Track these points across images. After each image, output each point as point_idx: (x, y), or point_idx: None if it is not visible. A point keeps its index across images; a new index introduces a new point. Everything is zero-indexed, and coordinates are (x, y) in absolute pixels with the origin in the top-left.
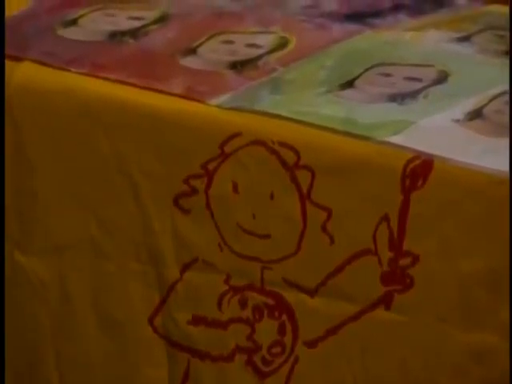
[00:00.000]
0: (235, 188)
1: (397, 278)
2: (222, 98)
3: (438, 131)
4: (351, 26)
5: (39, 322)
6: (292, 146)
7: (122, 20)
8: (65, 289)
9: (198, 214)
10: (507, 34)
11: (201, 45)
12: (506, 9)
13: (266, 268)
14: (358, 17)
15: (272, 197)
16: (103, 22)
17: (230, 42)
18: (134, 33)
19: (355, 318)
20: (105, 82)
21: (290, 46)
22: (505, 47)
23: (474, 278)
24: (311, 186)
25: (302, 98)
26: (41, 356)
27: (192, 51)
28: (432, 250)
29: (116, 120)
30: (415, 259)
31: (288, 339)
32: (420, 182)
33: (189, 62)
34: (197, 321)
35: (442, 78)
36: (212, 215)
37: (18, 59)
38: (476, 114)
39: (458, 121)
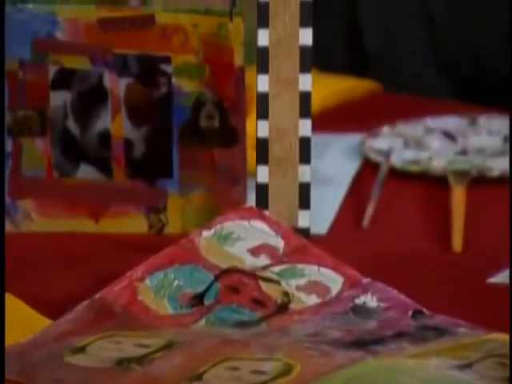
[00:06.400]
0: None
1: None
2: None
3: None
4: (354, 353)
5: None
6: None
7: (129, 347)
8: None
9: None
10: (507, 361)
11: (206, 371)
12: (506, 336)
13: None
14: (360, 344)
15: None
16: (110, 349)
17: (235, 369)
18: (140, 360)
19: None
20: None
21: (294, 373)
22: (504, 374)
23: None
24: None
25: None
26: None
27: (198, 378)
28: None
29: None
30: None
31: None
32: None
33: None
34: None
35: None
36: None
37: None
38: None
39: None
